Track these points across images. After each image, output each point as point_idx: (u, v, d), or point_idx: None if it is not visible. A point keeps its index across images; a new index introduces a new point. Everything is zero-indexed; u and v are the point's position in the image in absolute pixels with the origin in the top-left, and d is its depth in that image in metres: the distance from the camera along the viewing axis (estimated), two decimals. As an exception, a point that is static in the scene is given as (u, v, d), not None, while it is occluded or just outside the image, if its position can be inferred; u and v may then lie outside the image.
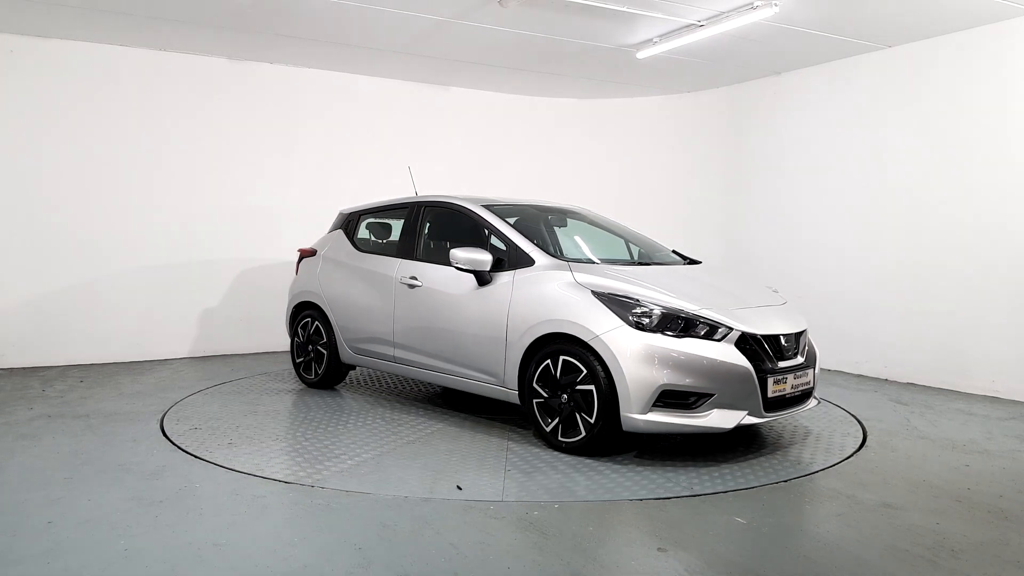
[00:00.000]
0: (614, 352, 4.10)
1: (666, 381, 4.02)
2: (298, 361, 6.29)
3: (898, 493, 3.85)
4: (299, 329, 6.25)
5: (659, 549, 3.12)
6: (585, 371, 4.22)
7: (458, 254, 4.78)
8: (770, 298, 4.88)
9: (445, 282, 5.09)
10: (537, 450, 4.49)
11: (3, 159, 6.84)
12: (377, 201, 6.25)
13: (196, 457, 4.28)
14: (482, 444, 4.62)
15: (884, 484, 3.99)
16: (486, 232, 5.10)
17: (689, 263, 5.42)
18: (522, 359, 4.56)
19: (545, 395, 4.45)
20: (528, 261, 4.71)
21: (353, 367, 6.07)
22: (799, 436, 4.91)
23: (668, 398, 4.05)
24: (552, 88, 8.88)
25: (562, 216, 5.71)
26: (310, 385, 6.19)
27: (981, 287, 6.25)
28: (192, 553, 3.01)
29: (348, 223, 6.22)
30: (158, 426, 4.95)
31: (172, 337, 7.57)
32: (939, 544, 3.21)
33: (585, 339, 4.22)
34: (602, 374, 4.15)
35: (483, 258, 4.73)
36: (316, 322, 6.07)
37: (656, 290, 4.31)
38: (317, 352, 6.07)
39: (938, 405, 5.88)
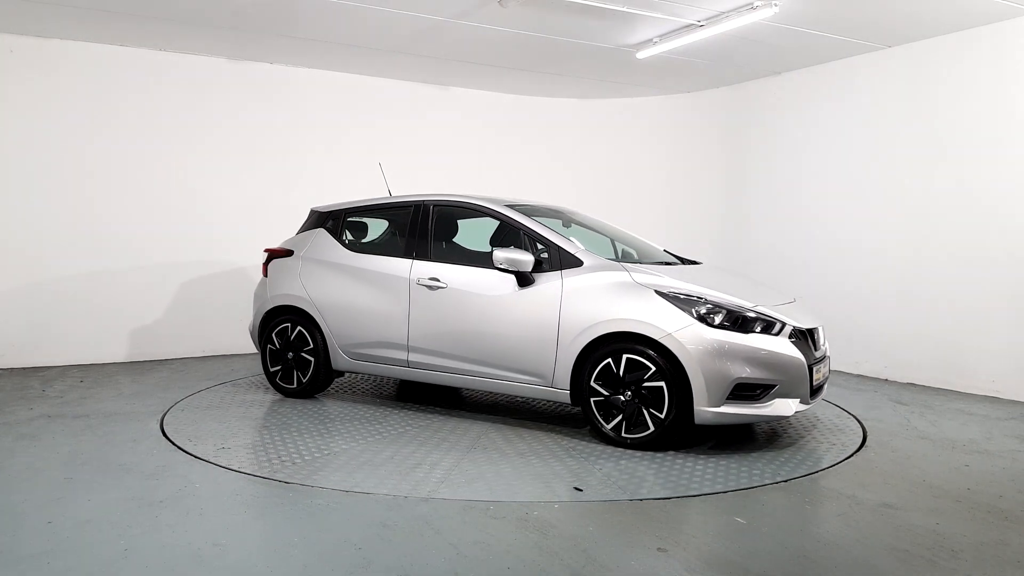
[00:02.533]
0: (688, 349, 4.26)
1: (740, 374, 4.24)
2: (273, 370, 5.86)
3: (898, 493, 3.85)
4: (273, 336, 5.83)
5: (659, 549, 3.12)
6: (654, 368, 4.33)
7: (500, 255, 4.76)
8: (783, 295, 5.03)
9: (477, 283, 4.99)
10: (601, 447, 4.54)
11: (3, 159, 6.85)
12: (367, 199, 5.97)
13: (196, 457, 4.28)
14: (543, 445, 4.60)
15: (884, 484, 3.99)
16: (521, 234, 5.09)
17: (688, 263, 5.43)
18: (576, 359, 4.59)
19: (606, 394, 4.50)
20: (575, 262, 4.75)
21: (341, 374, 5.83)
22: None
23: (738, 390, 4.28)
24: (552, 88, 8.88)
25: (568, 218, 5.71)
26: (288, 395, 5.82)
27: (981, 287, 6.24)
28: (192, 553, 3.01)
29: (332, 222, 5.90)
30: (158, 426, 4.95)
31: (172, 337, 7.58)
32: (939, 544, 3.21)
33: (655, 337, 4.33)
34: (671, 370, 4.28)
35: (527, 259, 4.73)
36: (299, 327, 5.70)
37: (712, 289, 4.52)
38: (300, 360, 5.70)
39: (938, 405, 5.88)
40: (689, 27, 6.28)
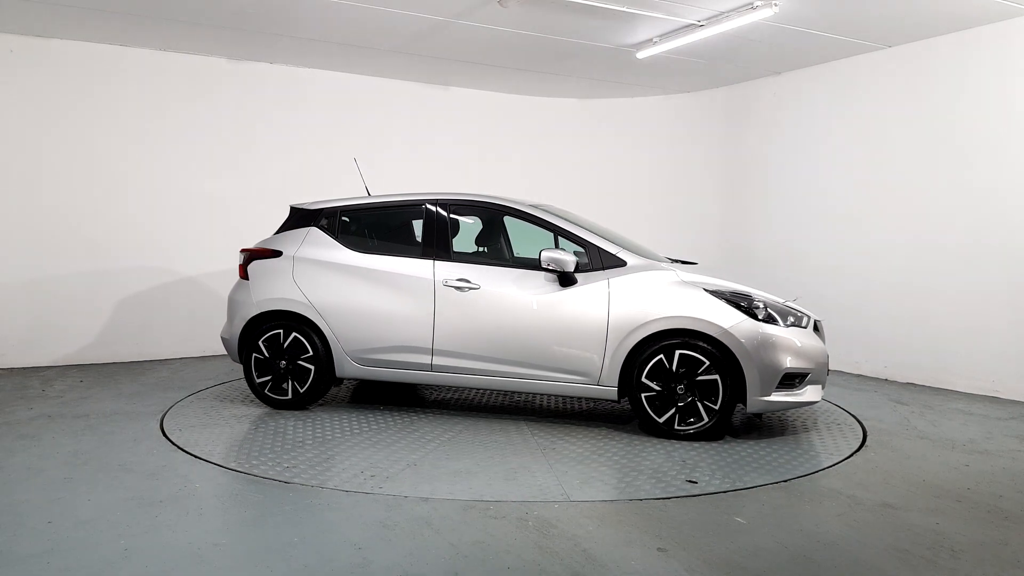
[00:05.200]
0: (743, 343, 4.54)
1: (788, 365, 4.59)
2: (261, 381, 5.38)
3: (898, 493, 3.85)
4: (260, 344, 5.35)
5: (659, 549, 3.12)
6: (708, 362, 4.58)
7: (547, 255, 4.83)
8: (786, 294, 5.19)
9: (514, 284, 4.98)
10: (658, 440, 4.71)
11: (3, 159, 6.85)
12: (367, 197, 5.66)
13: (196, 457, 4.28)
14: (605, 443, 4.67)
15: (884, 484, 3.99)
16: (555, 234, 5.11)
17: (678, 263, 5.44)
18: (627, 356, 4.72)
19: (658, 389, 4.67)
20: (618, 262, 4.91)
21: (341, 382, 5.60)
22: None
23: (783, 379, 4.61)
24: (552, 88, 8.88)
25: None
26: (279, 407, 5.39)
27: (981, 287, 6.24)
28: (192, 553, 3.01)
29: (326, 220, 5.53)
30: (158, 426, 4.94)
31: (172, 337, 7.57)
32: (939, 544, 3.21)
33: (712, 333, 4.58)
34: (726, 363, 4.56)
35: (570, 259, 4.84)
36: (293, 334, 5.30)
37: (750, 287, 4.83)
38: (298, 368, 5.31)
39: (938, 405, 5.88)
40: (689, 27, 6.27)
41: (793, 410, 5.55)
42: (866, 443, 4.78)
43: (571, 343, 4.83)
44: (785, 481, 4.01)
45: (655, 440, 4.71)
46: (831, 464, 4.33)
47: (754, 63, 7.55)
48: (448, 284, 5.08)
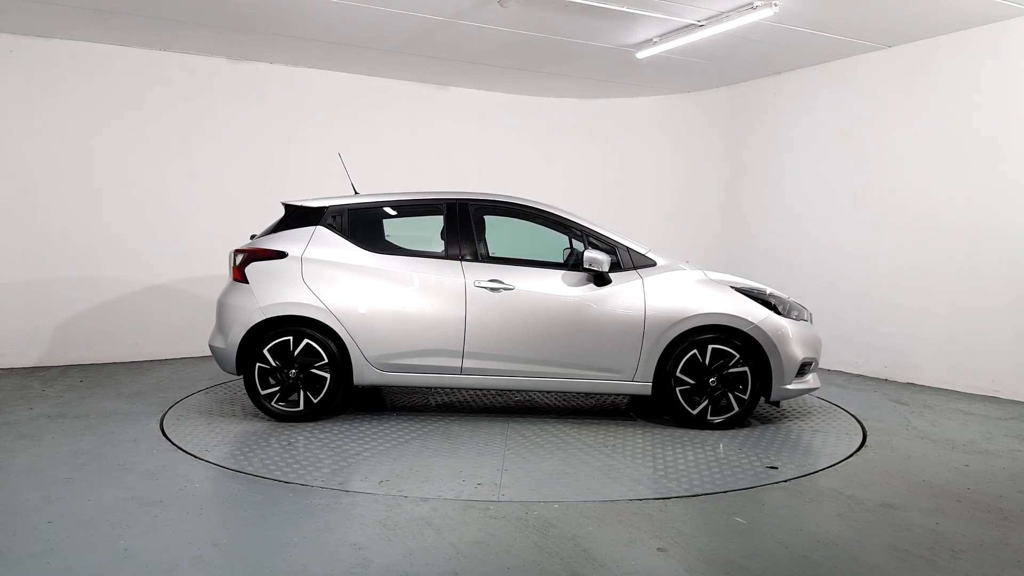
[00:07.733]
0: (771, 336, 4.88)
1: (805, 356, 4.98)
2: (266, 392, 5.00)
3: (898, 493, 3.85)
4: (265, 352, 4.95)
5: (659, 549, 3.12)
6: (738, 355, 4.89)
7: (589, 255, 4.90)
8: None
9: (549, 284, 4.99)
10: (695, 432, 4.95)
11: (3, 159, 6.85)
12: (376, 195, 5.44)
13: (196, 457, 4.28)
14: (658, 438, 4.79)
15: (884, 484, 3.99)
16: (583, 236, 5.13)
17: None
18: (662, 352, 4.93)
19: (692, 382, 4.93)
20: (649, 262, 5.11)
21: (356, 390, 5.46)
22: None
23: (799, 369, 4.99)
24: (552, 88, 8.88)
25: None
26: (286, 419, 5.02)
27: (981, 287, 6.24)
28: (192, 553, 3.01)
29: (333, 219, 5.21)
30: (158, 426, 4.94)
31: (172, 337, 7.57)
32: (939, 544, 3.21)
33: (744, 328, 4.88)
34: (753, 355, 4.89)
35: (607, 259, 4.94)
36: (304, 340, 4.95)
37: (763, 284, 5.16)
38: (311, 377, 4.98)
39: (938, 405, 5.88)
40: (689, 27, 6.28)
41: (790, 412, 5.58)
42: (866, 443, 4.78)
43: (608, 341, 4.94)
44: (785, 481, 4.01)
45: (694, 431, 4.95)
46: (831, 464, 4.33)
47: (754, 63, 7.55)
48: (479, 285, 4.97)
